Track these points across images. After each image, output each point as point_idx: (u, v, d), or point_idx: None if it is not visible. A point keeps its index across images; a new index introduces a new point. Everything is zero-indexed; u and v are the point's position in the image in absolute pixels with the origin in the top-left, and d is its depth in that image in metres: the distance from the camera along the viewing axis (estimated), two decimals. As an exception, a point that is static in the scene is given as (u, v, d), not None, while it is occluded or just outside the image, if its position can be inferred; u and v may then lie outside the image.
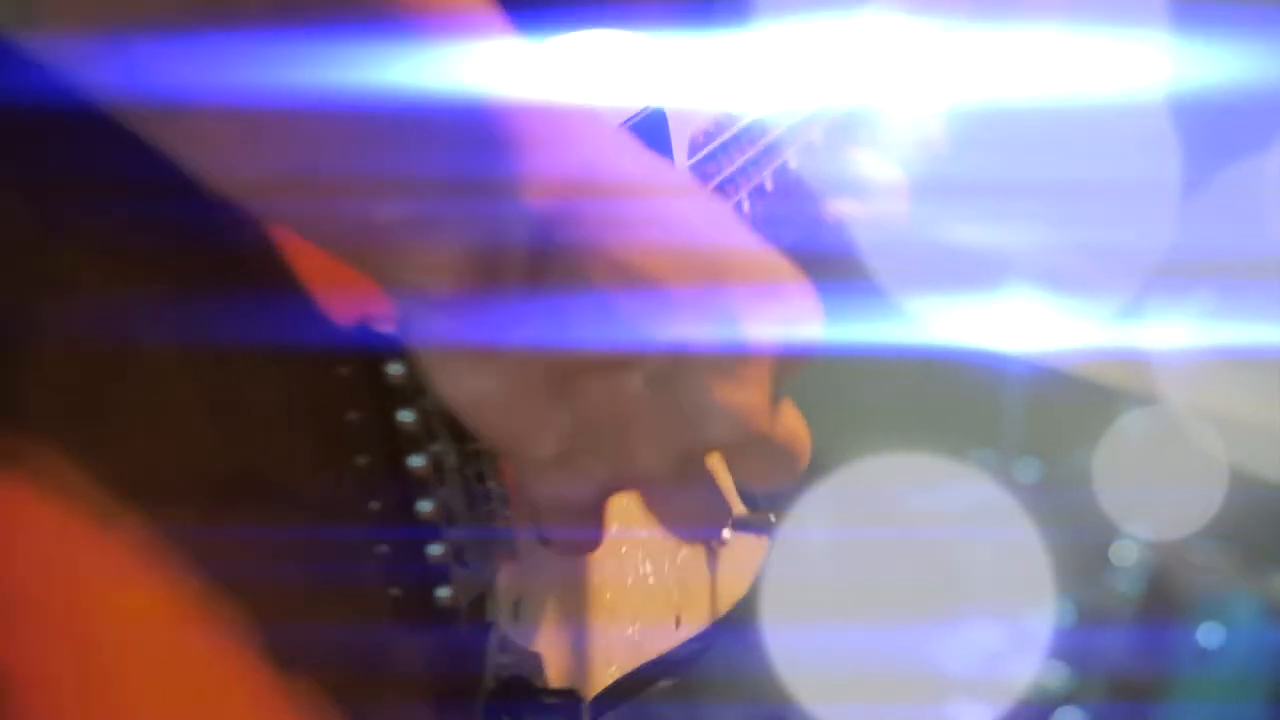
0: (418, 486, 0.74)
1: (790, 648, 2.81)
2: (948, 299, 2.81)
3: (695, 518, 0.79)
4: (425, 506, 0.75)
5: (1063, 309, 2.79)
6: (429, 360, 0.70)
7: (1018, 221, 2.86)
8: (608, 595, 0.91)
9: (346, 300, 0.74)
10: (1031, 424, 2.93)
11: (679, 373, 0.73)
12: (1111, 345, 2.74)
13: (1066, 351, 2.72)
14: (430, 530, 0.75)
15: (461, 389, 0.70)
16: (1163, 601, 2.83)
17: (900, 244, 2.95)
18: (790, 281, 0.78)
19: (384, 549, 0.74)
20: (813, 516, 2.82)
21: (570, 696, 0.80)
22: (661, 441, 0.74)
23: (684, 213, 0.75)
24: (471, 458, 0.78)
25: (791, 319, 0.77)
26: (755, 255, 0.77)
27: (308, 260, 0.73)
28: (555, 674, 0.84)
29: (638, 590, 0.93)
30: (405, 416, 0.74)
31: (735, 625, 0.95)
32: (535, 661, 0.82)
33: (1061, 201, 3.04)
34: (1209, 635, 2.79)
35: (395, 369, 0.74)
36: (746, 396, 0.74)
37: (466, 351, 0.70)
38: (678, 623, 0.94)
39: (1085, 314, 2.78)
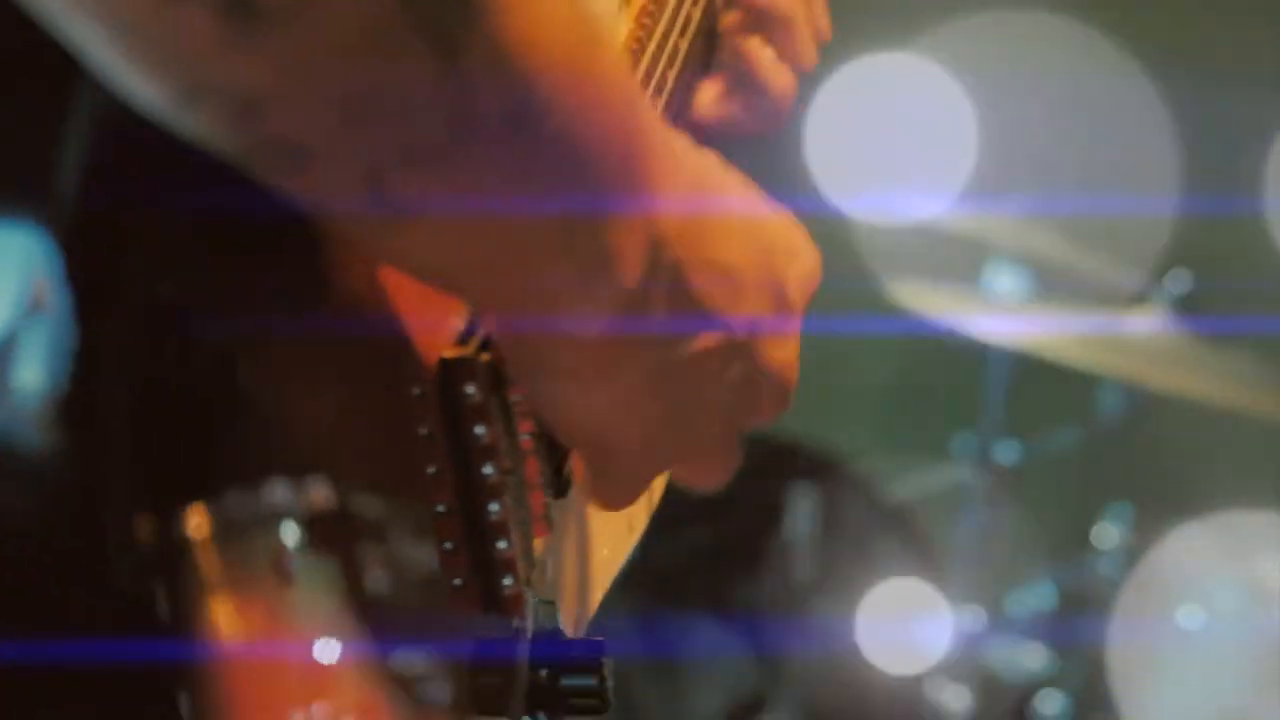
0: (489, 492, 0.80)
1: (772, 631, 2.81)
2: (930, 282, 2.82)
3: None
4: (495, 508, 0.81)
5: (1044, 292, 2.79)
6: (545, 384, 0.78)
7: (1003, 206, 2.87)
8: (605, 552, 0.99)
9: (423, 320, 0.80)
10: (1012, 406, 2.93)
11: (750, 348, 0.81)
12: (1092, 328, 2.74)
13: (1047, 334, 2.73)
14: (499, 528, 0.81)
15: (582, 407, 0.78)
16: (1143, 584, 2.84)
17: (885, 228, 2.95)
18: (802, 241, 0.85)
19: (450, 546, 0.80)
20: (796, 500, 2.83)
21: (596, 646, 0.85)
22: (727, 413, 0.83)
23: (743, 195, 0.82)
24: (521, 453, 0.85)
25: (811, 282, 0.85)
26: (782, 219, 0.85)
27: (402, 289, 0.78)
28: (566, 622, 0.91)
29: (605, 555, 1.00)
30: (479, 430, 0.80)
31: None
32: (553, 611, 0.88)
33: (1048, 186, 3.05)
34: (1189, 618, 2.80)
35: (470, 389, 0.80)
36: (792, 360, 0.85)
37: (586, 372, 0.77)
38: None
39: (1067, 297, 2.79)
